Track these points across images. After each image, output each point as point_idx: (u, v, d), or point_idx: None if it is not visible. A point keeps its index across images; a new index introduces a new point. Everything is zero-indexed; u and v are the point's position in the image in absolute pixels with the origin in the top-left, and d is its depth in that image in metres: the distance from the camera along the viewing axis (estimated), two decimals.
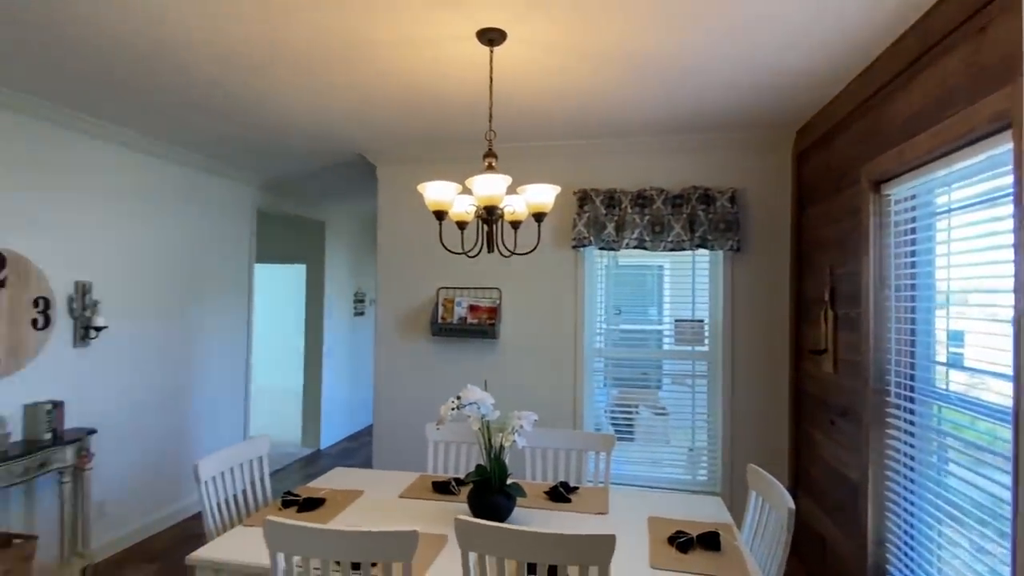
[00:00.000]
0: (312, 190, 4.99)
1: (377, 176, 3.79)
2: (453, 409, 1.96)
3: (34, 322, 2.85)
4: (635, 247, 3.27)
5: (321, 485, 2.44)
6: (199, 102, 2.80)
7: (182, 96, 2.72)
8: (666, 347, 3.50)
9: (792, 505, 1.75)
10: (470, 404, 1.98)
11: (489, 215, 1.90)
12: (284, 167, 4.15)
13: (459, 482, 2.44)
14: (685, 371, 3.46)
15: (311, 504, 2.16)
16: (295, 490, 2.32)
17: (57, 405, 2.85)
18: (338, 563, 1.64)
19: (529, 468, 2.67)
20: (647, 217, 3.27)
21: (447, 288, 3.63)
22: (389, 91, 2.63)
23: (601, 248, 3.33)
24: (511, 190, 2.21)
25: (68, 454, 2.81)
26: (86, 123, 3.04)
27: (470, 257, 2.12)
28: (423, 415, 3.64)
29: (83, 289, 3.11)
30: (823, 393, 2.76)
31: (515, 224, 2.15)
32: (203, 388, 4.05)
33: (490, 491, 2.01)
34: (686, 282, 3.45)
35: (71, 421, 3.05)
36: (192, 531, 3.63)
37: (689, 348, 3.43)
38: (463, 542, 1.50)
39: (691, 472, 3.44)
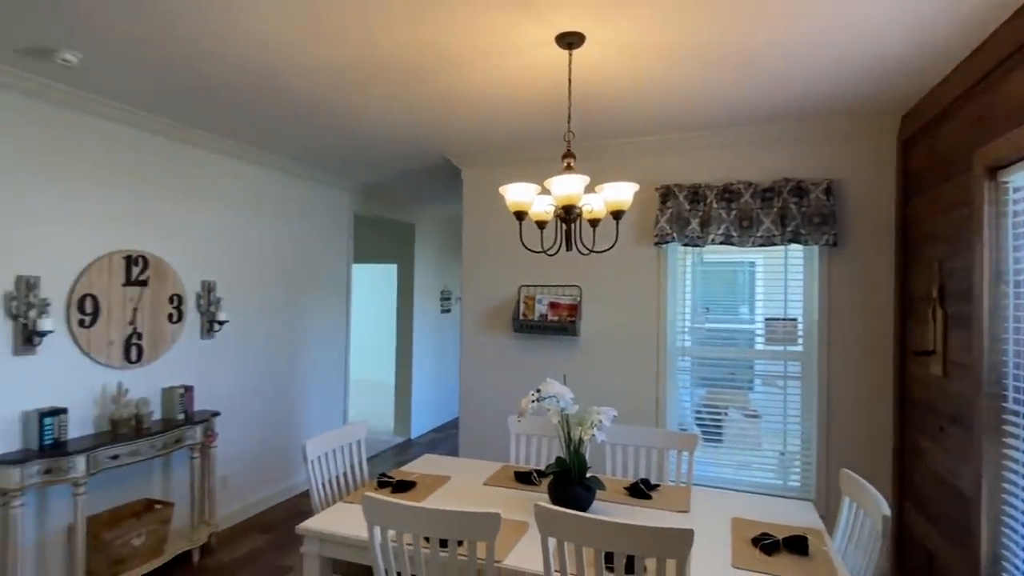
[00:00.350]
0: (402, 194, 5.28)
1: (462, 179, 3.95)
2: (533, 402, 2.04)
3: (170, 316, 3.27)
4: (721, 243, 3.18)
5: (412, 470, 2.61)
6: (302, 117, 3.07)
7: (287, 112, 3.00)
8: (758, 347, 3.38)
9: (887, 511, 1.66)
10: (549, 397, 2.05)
11: (567, 214, 1.95)
12: (377, 173, 4.43)
13: (540, 473, 2.52)
14: (777, 372, 3.32)
15: (403, 486, 2.33)
16: (389, 473, 2.50)
17: (188, 389, 3.24)
18: (427, 540, 1.77)
19: (609, 463, 2.70)
20: (734, 212, 3.18)
21: (528, 286, 3.72)
22: (473, 98, 2.75)
23: (685, 244, 3.28)
24: (590, 189, 2.26)
25: (197, 432, 3.20)
26: (208, 139, 3.43)
27: (549, 256, 2.19)
28: (506, 408, 3.76)
29: (208, 288, 3.52)
30: (931, 397, 2.55)
31: (594, 223, 2.19)
32: (307, 378, 4.43)
33: (569, 482, 2.07)
34: (778, 279, 3.31)
35: (199, 404, 3.46)
36: (299, 508, 3.98)
37: (781, 348, 3.29)
38: (543, 527, 1.57)
39: (782, 477, 3.30)
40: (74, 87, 2.65)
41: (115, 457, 2.73)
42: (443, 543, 1.80)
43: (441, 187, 4.93)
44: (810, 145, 3.15)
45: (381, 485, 2.36)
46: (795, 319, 3.25)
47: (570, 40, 2.08)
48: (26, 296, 2.56)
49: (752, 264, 3.46)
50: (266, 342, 4.01)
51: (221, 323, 3.54)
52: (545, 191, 2.16)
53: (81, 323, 2.79)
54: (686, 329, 3.46)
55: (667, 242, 3.29)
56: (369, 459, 5.13)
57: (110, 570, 2.72)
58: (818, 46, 2.14)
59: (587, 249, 2.14)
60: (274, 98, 2.78)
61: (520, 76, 2.47)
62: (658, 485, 2.40)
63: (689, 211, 3.26)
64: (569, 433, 2.13)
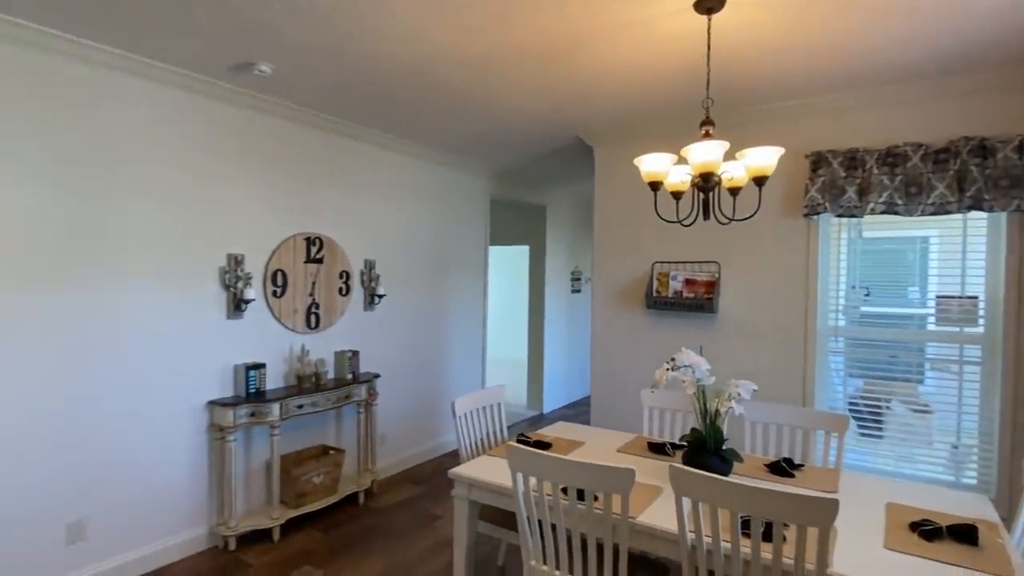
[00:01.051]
0: (535, 177, 5.45)
1: (594, 157, 4.00)
2: (668, 370, 2.07)
3: (340, 290, 3.76)
4: (883, 212, 2.90)
5: (548, 433, 2.77)
6: (450, 107, 3.33)
7: (433, 103, 3.26)
8: (928, 328, 3.03)
9: None
10: (685, 366, 2.06)
11: (705, 182, 1.94)
12: (512, 157, 4.63)
13: (674, 445, 2.54)
14: (950, 356, 2.96)
15: (540, 446, 2.49)
16: (527, 434, 2.68)
17: (355, 353, 3.71)
18: (565, 492, 1.91)
19: (748, 442, 2.63)
20: (899, 178, 2.87)
21: (662, 262, 3.69)
22: (606, 75, 2.79)
23: (839, 215, 3.03)
24: (730, 157, 2.20)
25: (363, 391, 3.66)
26: (370, 134, 3.85)
27: (684, 226, 2.18)
28: (638, 386, 3.78)
29: (370, 265, 3.97)
30: None
31: (734, 191, 2.14)
32: (450, 349, 4.81)
33: (705, 453, 2.08)
34: (954, 252, 2.93)
35: (363, 367, 3.94)
36: (445, 465, 4.37)
37: (956, 329, 2.93)
38: (677, 487, 1.61)
39: (954, 472, 2.95)
40: (267, 94, 3.14)
41: (300, 406, 3.23)
42: (580, 496, 1.92)
43: (572, 168, 5.02)
44: (997, 96, 2.73)
45: (519, 443, 2.54)
46: (975, 297, 2.87)
47: (709, 5, 2.03)
48: (235, 270, 3.11)
49: (925, 240, 3.10)
50: (416, 316, 4.43)
51: (380, 297, 3.98)
52: (682, 161, 2.15)
53: (274, 293, 3.32)
54: (839, 309, 3.21)
55: (818, 213, 3.06)
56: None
57: (296, 501, 3.25)
58: None
59: (727, 218, 2.10)
60: (428, 91, 3.05)
61: (656, 48, 2.46)
62: (802, 465, 2.31)
63: (845, 178, 3.00)
64: (705, 404, 2.13)
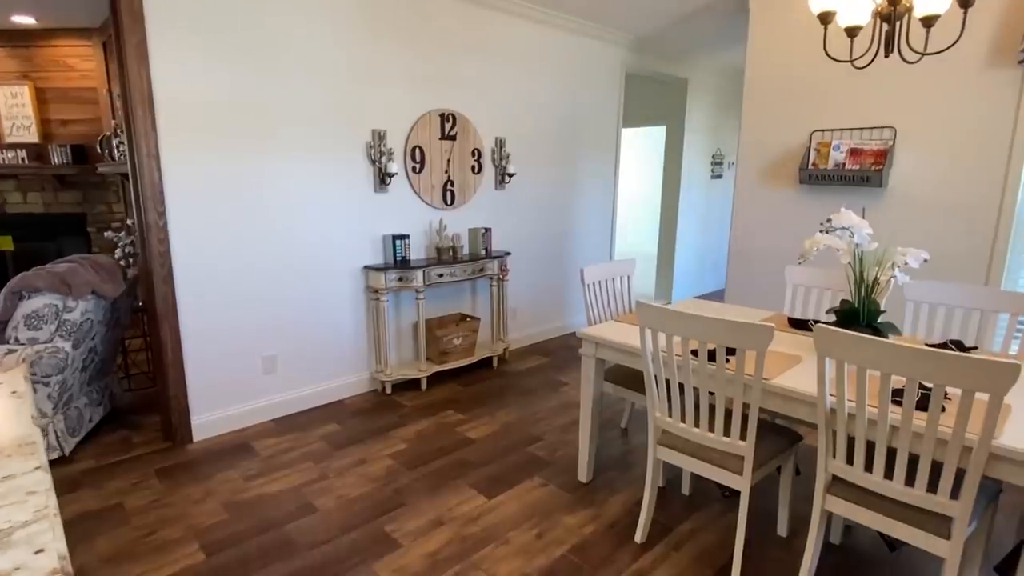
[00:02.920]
0: (677, 44, 4.94)
1: (749, 7, 3.50)
2: (822, 231, 1.89)
3: (472, 168, 3.85)
4: None
5: (676, 306, 2.72)
6: None
7: None
8: None
9: None
10: (842, 229, 1.87)
11: (892, 6, 1.62)
12: (653, 17, 4.20)
13: (819, 323, 2.37)
14: None
15: None
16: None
17: (487, 230, 3.86)
18: (694, 354, 1.89)
19: (910, 324, 2.38)
20: None
21: (823, 131, 3.25)
22: None
23: None
24: None
25: (495, 266, 3.84)
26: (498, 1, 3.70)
27: (857, 68, 1.87)
28: (782, 266, 3.53)
29: (500, 143, 3.99)
30: None
31: (928, 22, 1.76)
32: (578, 232, 4.80)
33: (856, 324, 1.92)
34: None
35: (495, 244, 4.10)
36: (572, 343, 4.55)
37: None
38: (821, 346, 1.52)
39: None
40: None
41: (440, 275, 3.49)
42: (711, 357, 1.90)
43: (721, 30, 4.45)
44: None
45: None
46: None
47: None
48: (379, 145, 3.30)
49: None
50: (545, 196, 4.44)
51: (511, 175, 4.03)
52: None
53: (413, 169, 3.50)
54: None
55: None
56: None
57: (440, 359, 3.61)
58: None
59: (917, 53, 1.75)
60: None
61: None
62: (975, 347, 2.05)
63: None
64: (862, 274, 1.93)
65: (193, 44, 2.58)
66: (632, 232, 9.14)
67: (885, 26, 1.71)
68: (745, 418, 1.79)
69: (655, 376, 1.93)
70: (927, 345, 2.08)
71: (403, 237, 3.43)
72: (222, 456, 2.69)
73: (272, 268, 3.01)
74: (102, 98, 4.65)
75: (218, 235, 2.79)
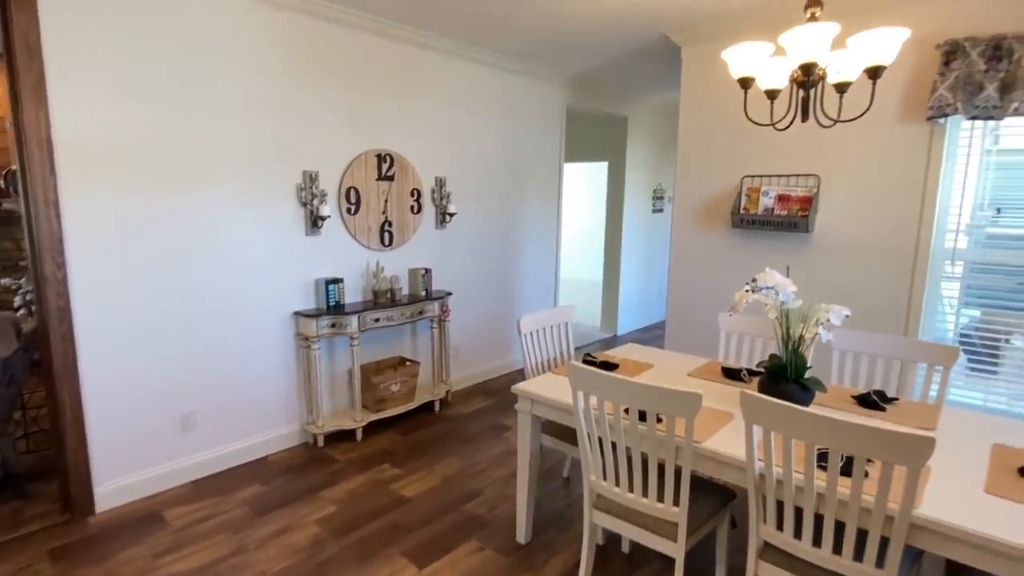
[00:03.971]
0: (616, 84, 5.06)
1: (681, 58, 3.61)
2: (748, 291, 1.91)
3: (411, 208, 3.77)
4: None
5: (616, 354, 2.70)
6: (520, 5, 3.06)
7: (507, 3, 3.01)
8: None
9: None
10: (767, 288, 1.89)
11: (806, 76, 1.66)
12: (590, 60, 4.28)
13: (751, 372, 2.40)
14: None
15: (607, 367, 2.44)
16: (593, 354, 2.64)
17: (427, 271, 3.77)
18: (627, 412, 1.86)
19: (835, 372, 2.43)
20: None
21: (753, 176, 3.35)
22: None
23: (972, 118, 2.57)
24: (840, 45, 1.87)
25: (435, 307, 3.74)
26: (440, 42, 3.68)
27: (778, 130, 1.92)
28: (717, 307, 3.59)
29: (441, 183, 3.93)
30: None
31: (841, 88, 1.83)
32: (522, 268, 4.78)
33: (784, 380, 1.94)
34: None
35: (436, 284, 4.01)
36: (515, 380, 4.42)
37: None
38: (748, 414, 1.51)
39: None
40: (336, 3, 3.03)
41: (377, 320, 3.36)
42: (642, 417, 1.87)
43: (657, 73, 4.59)
44: None
45: (586, 363, 2.50)
46: None
47: None
48: (310, 187, 3.18)
49: None
50: (488, 234, 4.39)
51: (451, 215, 3.96)
52: (780, 53, 1.85)
53: (348, 211, 3.39)
54: (960, 230, 2.80)
55: (946, 115, 2.61)
56: (576, 348, 5.45)
57: (376, 406, 3.46)
58: None
59: (830, 119, 1.81)
60: None
61: None
62: (896, 399, 2.11)
63: (985, 72, 2.51)
64: (788, 330, 1.96)
65: (101, 80, 2.41)
66: (579, 262, 9.24)
67: (801, 92, 1.76)
68: (678, 480, 1.76)
69: (588, 435, 1.89)
70: (852, 397, 2.13)
71: (337, 281, 3.29)
72: (128, 529, 2.44)
73: (193, 317, 2.81)
74: (9, 128, 4.31)
75: (131, 283, 2.59)
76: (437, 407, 3.85)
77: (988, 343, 2.81)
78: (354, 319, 3.23)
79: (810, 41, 1.60)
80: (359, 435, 3.36)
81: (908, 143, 2.83)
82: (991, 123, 2.67)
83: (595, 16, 3.23)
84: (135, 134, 2.53)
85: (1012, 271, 2.70)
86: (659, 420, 1.85)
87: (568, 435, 2.46)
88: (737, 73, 1.81)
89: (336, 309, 3.26)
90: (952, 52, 2.59)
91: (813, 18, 1.68)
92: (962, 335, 2.89)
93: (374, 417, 3.43)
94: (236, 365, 3.01)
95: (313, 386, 3.23)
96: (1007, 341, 2.79)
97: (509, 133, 4.43)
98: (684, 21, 3.32)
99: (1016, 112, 2.44)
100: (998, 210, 2.76)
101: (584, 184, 9.10)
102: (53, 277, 2.34)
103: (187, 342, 2.81)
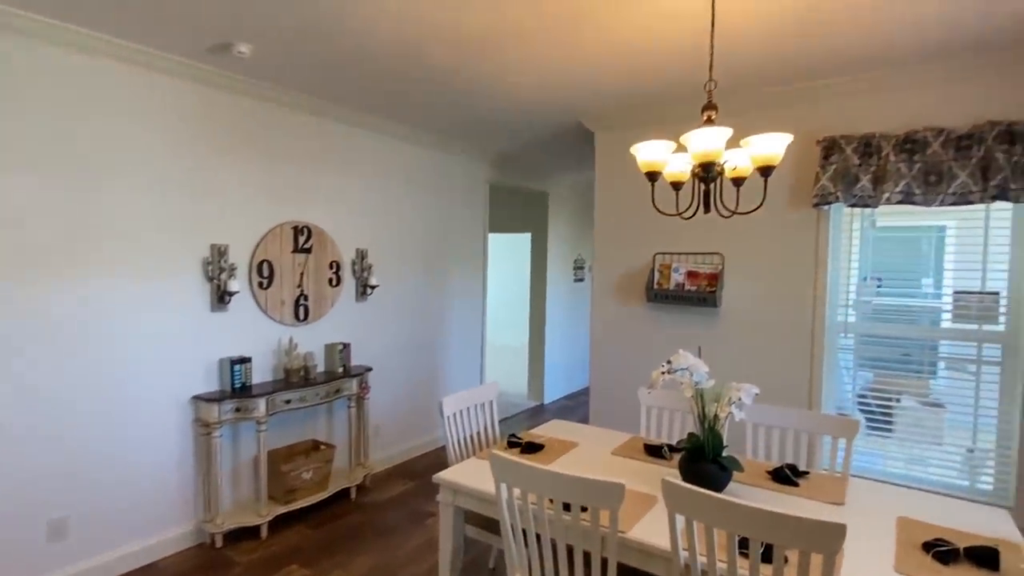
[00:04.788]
0: (536, 163, 5.28)
1: (595, 143, 3.83)
2: (664, 373, 1.94)
3: (330, 281, 3.64)
4: (899, 202, 2.72)
5: (541, 433, 2.65)
6: (440, 88, 3.16)
7: (425, 85, 3.10)
8: (944, 325, 2.88)
9: None
10: (681, 369, 1.93)
11: (706, 172, 1.79)
12: (511, 141, 4.46)
13: (672, 448, 2.42)
14: (968, 355, 2.80)
15: (532, 448, 2.38)
16: (519, 434, 2.57)
17: (346, 346, 3.60)
18: (551, 501, 1.79)
19: (750, 447, 2.50)
20: (917, 165, 2.69)
21: (664, 253, 3.53)
22: (607, 55, 2.62)
23: (852, 205, 2.86)
24: (735, 143, 2.05)
25: (354, 385, 3.56)
26: (359, 117, 3.70)
27: (684, 219, 2.04)
28: (638, 380, 3.65)
29: (361, 255, 3.85)
30: None
31: (737, 181, 1.99)
32: (448, 341, 4.69)
33: (703, 460, 1.96)
34: (975, 245, 2.77)
35: (355, 359, 3.84)
36: (441, 459, 4.28)
37: (975, 326, 2.77)
38: (671, 504, 1.49)
39: (970, 478, 2.81)
40: (247, 76, 2.99)
41: (288, 401, 3.14)
42: (567, 507, 1.81)
43: (575, 154, 4.84)
44: None
45: (511, 445, 2.43)
46: (996, 293, 2.70)
47: None
48: (218, 261, 3.00)
49: (941, 230, 2.94)
50: (411, 306, 4.31)
51: (373, 287, 3.86)
52: (682, 149, 1.99)
53: (260, 285, 3.21)
54: (849, 303, 3.05)
55: (829, 203, 2.90)
56: (503, 421, 5.34)
57: (285, 497, 3.17)
58: None
59: (729, 211, 1.95)
60: (419, 72, 2.89)
61: (660, 25, 2.29)
62: (807, 472, 2.18)
63: (859, 166, 2.83)
64: (704, 409, 2.00)
65: None
66: (506, 328, 9.25)
67: (703, 185, 1.88)
68: (605, 572, 1.69)
69: (512, 528, 1.79)
70: (767, 472, 2.18)
71: (244, 360, 3.06)
72: None
73: (69, 408, 2.49)
74: None
75: None
76: (354, 494, 3.58)
77: (882, 404, 3.01)
78: (262, 402, 3.00)
79: (707, 141, 1.74)
80: (264, 532, 3.04)
81: (799, 226, 3.10)
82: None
83: (514, 104, 3.39)
84: (17, 209, 2.30)
85: (896, 343, 2.95)
86: (583, 509, 1.80)
87: (493, 525, 2.33)
88: (644, 167, 1.91)
89: (242, 391, 3.01)
90: (830, 148, 2.91)
91: (710, 120, 1.83)
92: (859, 397, 3.09)
93: (282, 510, 3.12)
94: (120, 461, 2.67)
95: (213, 478, 2.92)
96: (898, 400, 3.02)
97: (433, 206, 4.46)
98: (596, 110, 3.55)
99: (888, 201, 2.75)
100: (879, 282, 3.04)
101: (509, 253, 9.27)
102: None
103: (59, 439, 2.47)
